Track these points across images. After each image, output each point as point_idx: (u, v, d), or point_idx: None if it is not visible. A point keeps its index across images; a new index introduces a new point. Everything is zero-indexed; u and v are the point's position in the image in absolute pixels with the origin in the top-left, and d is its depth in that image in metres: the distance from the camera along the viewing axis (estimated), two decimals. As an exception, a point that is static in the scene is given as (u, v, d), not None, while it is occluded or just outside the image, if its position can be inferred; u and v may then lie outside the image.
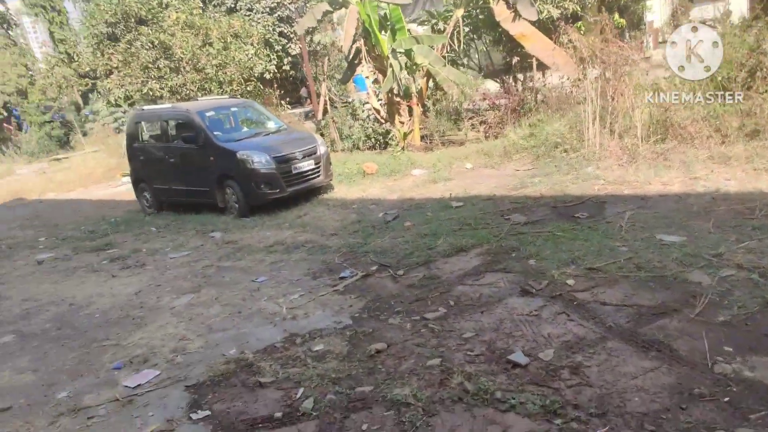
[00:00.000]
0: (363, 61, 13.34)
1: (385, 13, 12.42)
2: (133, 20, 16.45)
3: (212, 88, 15.61)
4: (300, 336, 4.55)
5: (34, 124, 27.04)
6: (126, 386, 4.14)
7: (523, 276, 5.01)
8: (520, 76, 13.97)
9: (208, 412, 3.62)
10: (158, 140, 10.54)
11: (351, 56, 13.59)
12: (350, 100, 17.50)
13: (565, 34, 10.20)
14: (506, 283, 4.94)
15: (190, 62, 15.42)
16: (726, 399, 3.01)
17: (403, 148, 12.21)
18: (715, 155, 7.73)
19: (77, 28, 26.97)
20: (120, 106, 20.47)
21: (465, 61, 14.99)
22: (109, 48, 16.53)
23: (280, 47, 20.15)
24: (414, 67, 12.49)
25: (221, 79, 15.71)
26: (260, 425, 3.40)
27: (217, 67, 15.58)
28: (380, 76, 13.06)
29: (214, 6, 19.84)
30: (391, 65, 11.90)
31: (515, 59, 13.61)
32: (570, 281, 4.72)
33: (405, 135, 12.57)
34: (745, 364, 3.29)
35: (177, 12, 15.68)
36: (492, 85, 14.20)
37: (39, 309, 6.21)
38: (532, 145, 10.10)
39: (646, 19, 19.06)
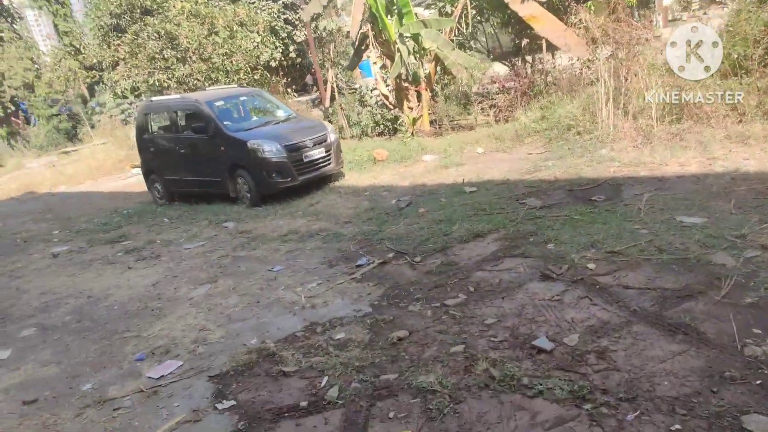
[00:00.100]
0: (370, 47, 13.21)
1: (392, -2, 12.28)
2: (138, 11, 16.38)
3: (219, 78, 15.54)
4: (320, 325, 4.54)
5: (41, 118, 27.17)
6: (149, 377, 4.16)
7: (543, 261, 4.96)
8: (528, 58, 13.81)
9: (233, 402, 3.63)
10: (168, 131, 10.52)
11: (358, 42, 13.46)
12: (357, 86, 17.38)
13: (575, 14, 10.04)
14: (526, 268, 4.90)
15: (196, 52, 15.35)
16: (758, 382, 2.97)
17: (412, 134, 12.12)
18: (732, 134, 7.61)
19: (81, 20, 26.92)
20: (126, 97, 20.48)
21: (472, 44, 14.83)
22: (115, 39, 16.47)
23: (286, 34, 20.00)
24: (422, 51, 12.36)
25: (228, 68, 15.63)
26: (286, 414, 3.40)
27: (223, 56, 15.50)
28: (388, 62, 12.94)
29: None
30: (398, 50, 11.78)
31: (524, 41, 13.43)
32: (591, 265, 4.67)
33: (414, 120, 12.47)
34: (776, 346, 3.24)
35: (182, 1, 15.56)
36: (501, 68, 14.05)
37: (58, 302, 6.25)
38: (544, 128, 10.00)
39: (655, -4, 18.72)
